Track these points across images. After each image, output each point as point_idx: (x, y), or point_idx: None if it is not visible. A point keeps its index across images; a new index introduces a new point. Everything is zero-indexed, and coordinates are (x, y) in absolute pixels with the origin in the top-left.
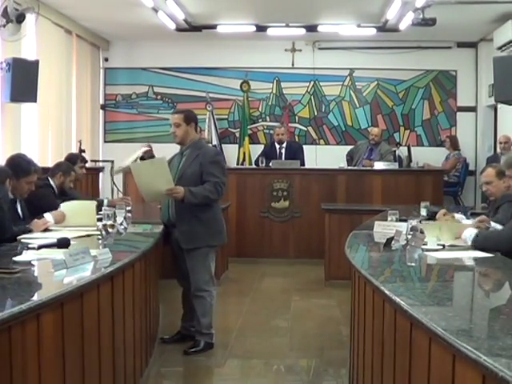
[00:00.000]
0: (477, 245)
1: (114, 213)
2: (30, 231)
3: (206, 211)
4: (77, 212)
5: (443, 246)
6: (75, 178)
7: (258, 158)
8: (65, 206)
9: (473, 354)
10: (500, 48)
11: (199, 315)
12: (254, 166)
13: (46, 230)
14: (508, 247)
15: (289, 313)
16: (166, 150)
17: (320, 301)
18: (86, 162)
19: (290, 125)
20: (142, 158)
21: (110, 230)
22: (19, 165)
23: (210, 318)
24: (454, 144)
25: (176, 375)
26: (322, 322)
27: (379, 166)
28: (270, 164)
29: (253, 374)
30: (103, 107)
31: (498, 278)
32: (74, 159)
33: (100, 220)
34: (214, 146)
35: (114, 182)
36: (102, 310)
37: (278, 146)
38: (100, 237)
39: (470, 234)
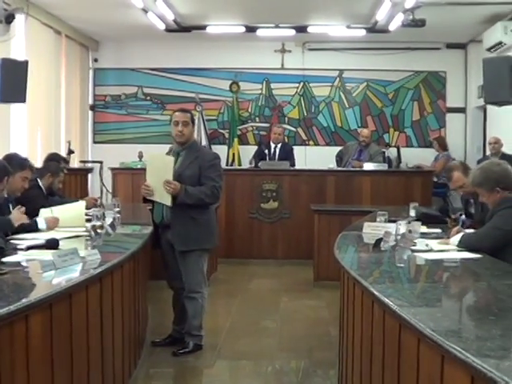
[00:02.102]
0: (462, 245)
1: (103, 213)
2: (10, 222)
3: (202, 214)
4: (67, 214)
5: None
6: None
7: (252, 158)
8: (56, 211)
9: (461, 355)
10: (489, 49)
11: (190, 316)
12: (244, 166)
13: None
14: (489, 245)
15: (278, 314)
16: (156, 152)
17: (309, 302)
18: (68, 163)
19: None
20: None
21: (98, 230)
22: (15, 158)
23: (201, 320)
24: (442, 145)
25: (165, 376)
26: (310, 323)
27: (368, 166)
28: (259, 164)
29: (242, 375)
30: (92, 108)
31: (487, 278)
32: (56, 160)
33: (89, 221)
34: (204, 146)
35: (103, 183)
36: (91, 311)
37: (273, 146)
38: (89, 238)
39: (457, 238)
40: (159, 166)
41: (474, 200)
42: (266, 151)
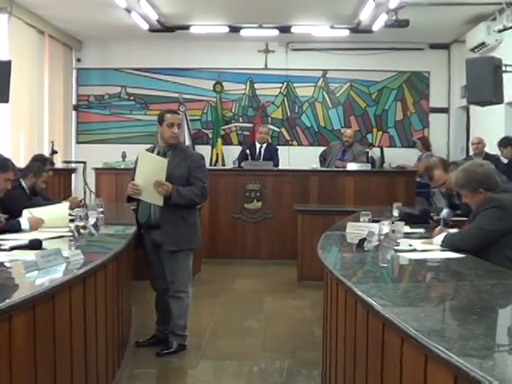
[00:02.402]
0: (445, 245)
1: (86, 214)
2: None
3: (190, 213)
4: (50, 215)
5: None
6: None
7: (236, 160)
8: (39, 212)
9: (445, 355)
10: (473, 49)
11: (175, 316)
12: (227, 166)
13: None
14: (472, 245)
15: (261, 314)
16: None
17: (292, 302)
18: (54, 164)
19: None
20: None
21: (82, 231)
22: None
23: (185, 320)
24: (426, 145)
25: (148, 377)
26: (294, 323)
27: (352, 166)
28: (242, 164)
29: (226, 376)
30: (76, 108)
31: (470, 278)
32: (41, 161)
33: (72, 221)
34: (187, 146)
35: (86, 183)
36: (74, 312)
37: (258, 146)
38: (72, 238)
39: (441, 238)
40: (151, 166)
41: (457, 192)
42: (248, 151)
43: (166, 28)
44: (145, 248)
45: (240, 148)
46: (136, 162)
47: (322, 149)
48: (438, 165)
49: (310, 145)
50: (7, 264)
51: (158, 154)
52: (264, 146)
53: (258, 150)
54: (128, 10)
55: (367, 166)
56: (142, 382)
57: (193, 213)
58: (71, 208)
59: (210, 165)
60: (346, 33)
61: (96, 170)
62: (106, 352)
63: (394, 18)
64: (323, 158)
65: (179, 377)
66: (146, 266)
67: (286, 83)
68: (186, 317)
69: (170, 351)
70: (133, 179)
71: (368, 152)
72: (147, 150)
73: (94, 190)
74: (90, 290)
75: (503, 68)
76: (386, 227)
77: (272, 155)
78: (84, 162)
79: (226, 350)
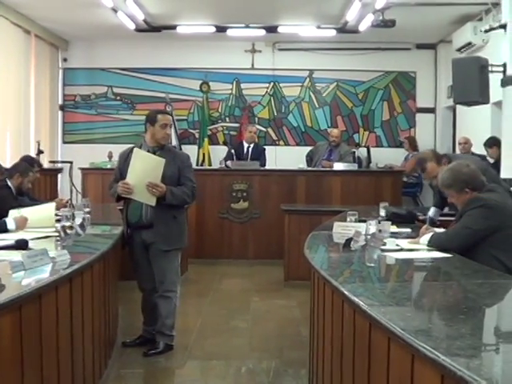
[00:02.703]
0: (431, 245)
1: (73, 214)
2: None
3: (181, 213)
4: (36, 215)
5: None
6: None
7: (223, 160)
8: (26, 212)
9: (431, 354)
10: (459, 50)
11: (163, 316)
12: (214, 166)
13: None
14: (459, 244)
15: (248, 313)
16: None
17: (279, 301)
18: (42, 166)
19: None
20: None
21: (68, 231)
22: None
23: (174, 320)
24: (413, 145)
25: (135, 377)
26: (281, 323)
27: (339, 166)
28: (228, 163)
29: (213, 375)
30: (62, 108)
31: (456, 278)
32: (29, 162)
33: (58, 221)
34: (174, 147)
35: (72, 183)
36: (61, 312)
37: (246, 145)
38: (58, 238)
39: (427, 238)
40: (145, 165)
41: None
42: (234, 151)
43: (152, 28)
44: (132, 248)
45: (226, 148)
46: (120, 160)
47: (308, 149)
48: (431, 157)
49: (297, 145)
50: None
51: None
52: (252, 145)
53: (245, 150)
54: (114, 10)
55: (354, 166)
56: (128, 382)
57: (183, 212)
58: (57, 208)
59: (197, 165)
60: (332, 33)
61: (82, 170)
62: (93, 352)
63: (381, 18)
64: (310, 158)
65: (166, 377)
66: (133, 267)
67: (272, 83)
68: (174, 316)
69: (156, 351)
70: (121, 178)
71: (355, 152)
72: (130, 150)
73: (80, 190)
74: (76, 290)
75: (489, 68)
76: (372, 227)
77: (260, 155)
78: (70, 162)
79: (212, 350)
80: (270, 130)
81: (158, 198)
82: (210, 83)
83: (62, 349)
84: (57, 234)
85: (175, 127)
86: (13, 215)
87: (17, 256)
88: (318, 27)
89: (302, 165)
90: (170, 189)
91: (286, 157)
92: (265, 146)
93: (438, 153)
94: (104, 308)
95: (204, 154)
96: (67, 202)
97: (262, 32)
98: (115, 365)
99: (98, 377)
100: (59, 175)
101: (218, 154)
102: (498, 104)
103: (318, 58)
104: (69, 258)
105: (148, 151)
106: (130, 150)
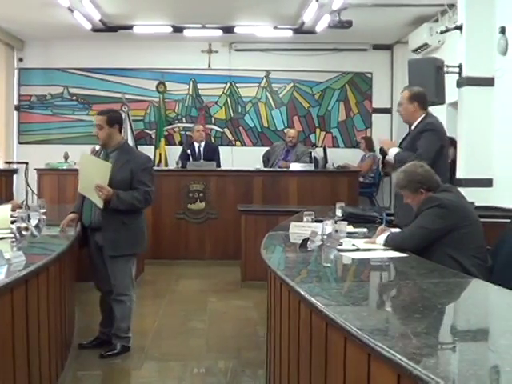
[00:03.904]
0: (387, 244)
1: (28, 215)
2: None
3: (133, 219)
4: None
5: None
6: None
7: (179, 159)
8: None
9: (387, 353)
10: (415, 50)
11: (118, 319)
12: (170, 167)
13: None
14: (414, 244)
15: (205, 314)
16: (83, 152)
17: (237, 302)
18: None
19: (206, 126)
20: None
21: (23, 232)
22: None
23: (129, 322)
24: (369, 145)
25: (92, 378)
26: (238, 323)
27: (295, 167)
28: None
29: (170, 376)
30: (17, 108)
31: (412, 277)
32: None
33: (14, 222)
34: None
35: (28, 184)
36: (16, 314)
37: (197, 145)
38: (14, 240)
39: (383, 238)
40: (93, 169)
41: None
42: (189, 151)
43: (108, 28)
44: (90, 248)
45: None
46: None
47: (265, 149)
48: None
49: (254, 145)
50: None
51: (104, 154)
52: (202, 144)
53: (197, 150)
54: (71, 10)
55: (310, 167)
56: (85, 383)
57: (136, 218)
58: (13, 209)
59: (154, 165)
60: (289, 33)
61: (38, 170)
62: (49, 354)
63: (337, 18)
64: (267, 159)
65: (123, 378)
66: (90, 267)
67: (229, 83)
68: (129, 319)
69: (113, 353)
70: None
71: (311, 152)
72: (97, 151)
73: (36, 191)
74: (32, 291)
75: (445, 69)
76: (329, 227)
77: (213, 154)
78: (26, 163)
79: (170, 351)
80: (226, 130)
81: (105, 201)
82: (167, 83)
83: (17, 351)
84: (12, 235)
85: (131, 128)
86: None
87: None
88: (275, 28)
89: (259, 165)
90: (117, 193)
91: (242, 157)
92: (221, 147)
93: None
94: (60, 309)
95: (160, 155)
96: (22, 203)
97: (219, 32)
98: (72, 367)
99: (55, 379)
100: (14, 176)
101: (174, 155)
102: (454, 105)
103: (274, 58)
104: (24, 260)
105: (106, 153)
106: (97, 153)
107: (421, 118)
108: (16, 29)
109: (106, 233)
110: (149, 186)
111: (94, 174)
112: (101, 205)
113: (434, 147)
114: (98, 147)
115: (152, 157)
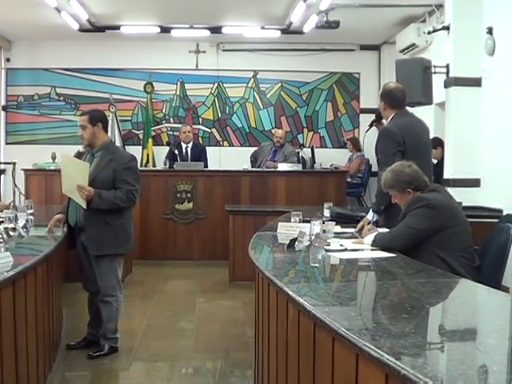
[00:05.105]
0: (375, 245)
1: (16, 216)
2: None
3: (116, 218)
4: None
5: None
6: None
7: (166, 159)
8: None
9: (375, 353)
10: (402, 51)
11: (105, 320)
12: (158, 167)
13: None
14: (402, 244)
15: (193, 315)
16: (71, 152)
17: (225, 302)
18: None
19: (193, 126)
20: None
21: (11, 233)
22: None
23: (116, 323)
24: (356, 145)
25: (80, 379)
26: (226, 324)
27: (283, 167)
28: (170, 163)
29: (158, 377)
30: (4, 108)
31: (400, 277)
32: None
33: (1, 223)
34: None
35: (15, 185)
36: (4, 315)
37: (184, 146)
38: (1, 240)
39: (371, 238)
40: (73, 170)
41: None
42: (177, 151)
43: (96, 28)
44: (77, 249)
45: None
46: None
47: (252, 149)
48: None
49: (241, 145)
50: None
51: (90, 154)
52: (190, 145)
53: (184, 150)
54: (58, 10)
55: (298, 167)
56: None
57: (120, 217)
58: (0, 210)
59: (141, 166)
60: (277, 34)
61: (25, 171)
62: (37, 355)
63: (325, 19)
64: (254, 159)
65: (111, 379)
66: (78, 267)
67: (216, 84)
68: (116, 320)
69: (101, 353)
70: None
71: (299, 152)
72: (81, 152)
73: (23, 192)
74: (19, 292)
75: (432, 69)
76: (316, 227)
77: (200, 155)
78: (13, 163)
79: (158, 352)
80: (214, 130)
81: (87, 201)
82: (154, 84)
83: (5, 352)
84: None
85: (119, 128)
86: None
87: None
88: (263, 28)
89: (247, 165)
90: (99, 192)
91: (230, 157)
92: (209, 147)
93: None
94: (48, 310)
95: (148, 155)
96: (10, 204)
97: (207, 33)
98: (60, 367)
99: (43, 380)
100: (2, 176)
101: (162, 155)
102: (441, 105)
103: (262, 58)
104: (11, 261)
105: (85, 153)
106: (84, 154)
107: (390, 117)
108: (3, 29)
109: (89, 232)
110: (132, 185)
111: (74, 175)
112: (84, 205)
113: (390, 151)
114: (81, 148)
115: (139, 157)
